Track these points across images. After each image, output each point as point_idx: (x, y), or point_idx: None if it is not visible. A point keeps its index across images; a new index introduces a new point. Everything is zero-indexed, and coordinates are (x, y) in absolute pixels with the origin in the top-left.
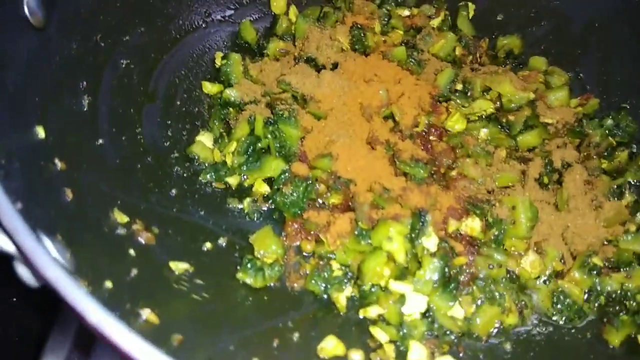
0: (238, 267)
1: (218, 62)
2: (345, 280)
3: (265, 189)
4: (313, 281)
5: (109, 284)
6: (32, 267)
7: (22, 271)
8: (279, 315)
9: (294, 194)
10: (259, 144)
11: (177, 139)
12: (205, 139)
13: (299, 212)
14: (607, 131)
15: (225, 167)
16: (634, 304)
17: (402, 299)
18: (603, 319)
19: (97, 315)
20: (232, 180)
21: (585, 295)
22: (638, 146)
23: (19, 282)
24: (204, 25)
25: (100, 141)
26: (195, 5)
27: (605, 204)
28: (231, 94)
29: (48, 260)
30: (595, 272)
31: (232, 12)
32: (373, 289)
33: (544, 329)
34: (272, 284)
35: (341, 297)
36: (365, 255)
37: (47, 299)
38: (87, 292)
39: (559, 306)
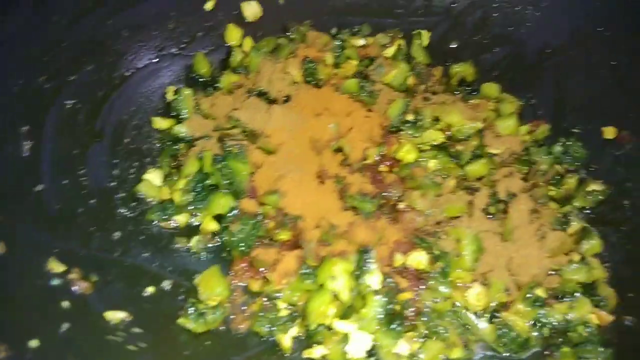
0: (180, 312)
1: (169, 96)
2: (291, 321)
3: (213, 226)
4: (258, 322)
5: (34, 343)
6: None
7: None
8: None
9: (242, 232)
10: (208, 181)
11: (123, 178)
12: (153, 176)
13: (247, 250)
14: (555, 158)
15: (173, 205)
16: (576, 335)
17: (346, 338)
18: (545, 351)
19: None
20: (181, 219)
21: (530, 327)
22: (587, 172)
23: None
24: (155, 60)
25: (40, 187)
26: (147, 40)
27: (550, 233)
28: (181, 129)
29: None
30: (539, 304)
31: (186, 45)
32: (319, 329)
33: None
34: (215, 328)
35: (286, 338)
36: (311, 295)
37: None
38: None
39: (504, 339)
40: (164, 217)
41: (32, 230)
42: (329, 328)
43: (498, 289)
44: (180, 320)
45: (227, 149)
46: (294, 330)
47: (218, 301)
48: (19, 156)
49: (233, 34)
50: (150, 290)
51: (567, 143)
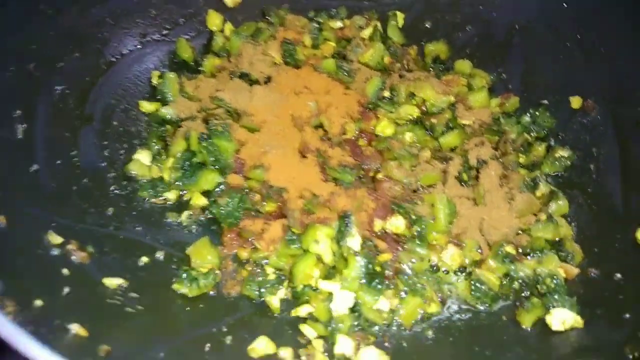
0: (174, 279)
1: (154, 80)
2: (278, 284)
3: (202, 201)
4: (248, 286)
5: (38, 302)
6: None
7: None
8: (213, 321)
9: (230, 205)
10: (195, 159)
11: (114, 159)
12: (142, 156)
13: (235, 221)
14: (523, 127)
15: (163, 183)
16: (544, 287)
17: (330, 296)
18: (516, 302)
19: (9, 334)
20: (171, 195)
21: (501, 281)
22: (555, 140)
23: None
24: (139, 46)
25: (35, 167)
26: (131, 27)
27: (518, 196)
28: (167, 111)
29: None
30: (509, 260)
31: (168, 31)
32: (305, 289)
33: (463, 316)
34: (209, 293)
35: (274, 300)
36: (296, 259)
37: None
38: (7, 312)
39: (477, 293)
40: (154, 194)
41: (30, 206)
42: (315, 289)
43: (471, 247)
44: (175, 285)
45: (212, 128)
46: (282, 292)
47: (209, 268)
48: (14, 139)
49: (214, 20)
50: (144, 260)
51: (536, 113)
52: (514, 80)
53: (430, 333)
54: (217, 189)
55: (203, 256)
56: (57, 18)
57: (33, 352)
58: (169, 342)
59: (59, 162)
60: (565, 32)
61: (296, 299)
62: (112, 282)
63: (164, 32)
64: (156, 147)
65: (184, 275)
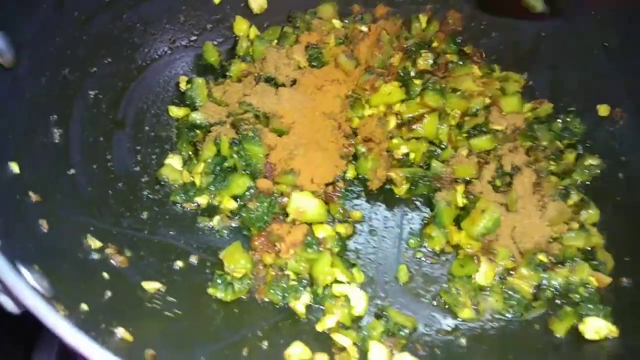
0: (209, 283)
1: (183, 86)
2: (301, 288)
3: (232, 205)
4: (272, 290)
5: (84, 307)
6: (14, 297)
7: (3, 299)
8: (248, 326)
9: (259, 209)
10: (226, 164)
11: (146, 163)
12: (174, 161)
13: (263, 225)
14: (555, 134)
15: (195, 188)
16: (577, 296)
17: (347, 299)
18: (549, 311)
19: (73, 337)
20: (202, 200)
21: (534, 290)
22: (584, 148)
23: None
24: (169, 52)
25: (72, 171)
26: (160, 33)
27: (550, 204)
28: (196, 117)
29: (27, 291)
30: (541, 268)
31: (196, 37)
32: (325, 294)
33: (496, 324)
34: (242, 297)
35: (299, 305)
36: (314, 261)
37: (27, 322)
38: (63, 316)
39: (509, 302)
40: (186, 199)
41: (68, 210)
42: (332, 296)
43: (504, 256)
44: (211, 290)
45: (243, 133)
46: (306, 298)
47: (243, 273)
48: (51, 143)
49: (241, 26)
50: (179, 264)
51: (567, 119)
52: (541, 87)
53: (463, 341)
54: (247, 193)
55: (236, 260)
56: (89, 24)
57: (94, 355)
58: (208, 346)
59: (94, 166)
60: (592, 39)
61: (318, 303)
62: (151, 285)
63: (192, 37)
64: (186, 152)
65: (219, 280)
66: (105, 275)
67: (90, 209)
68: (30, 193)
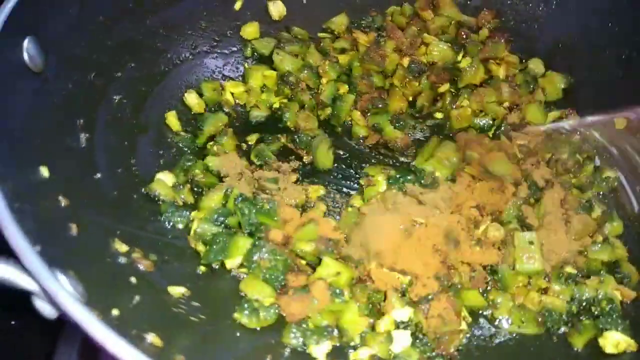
0: (236, 307)
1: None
2: (325, 334)
3: (236, 263)
4: (291, 334)
5: (115, 312)
6: (55, 303)
7: (40, 305)
8: (271, 333)
9: (273, 268)
10: (229, 219)
11: (170, 169)
12: (165, 177)
13: (279, 284)
14: (574, 146)
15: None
16: (598, 309)
17: (389, 336)
18: (568, 324)
19: (115, 344)
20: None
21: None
22: (600, 159)
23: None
24: (191, 57)
25: (98, 175)
26: (183, 39)
27: (575, 217)
28: (213, 164)
29: (69, 298)
30: (571, 281)
31: (217, 43)
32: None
33: (514, 336)
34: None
35: (318, 350)
36: (339, 313)
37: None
38: (101, 322)
39: (548, 323)
40: (180, 221)
41: (96, 214)
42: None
43: (538, 277)
44: (236, 315)
45: (260, 204)
46: (327, 346)
47: (271, 302)
48: (78, 147)
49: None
50: (202, 269)
51: (586, 133)
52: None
53: (479, 353)
54: (254, 251)
55: (258, 291)
56: (113, 29)
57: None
58: (233, 351)
59: (119, 170)
60: (608, 51)
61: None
62: (176, 290)
63: (213, 43)
64: (179, 179)
65: (246, 304)
66: (133, 279)
67: (116, 213)
68: (60, 197)
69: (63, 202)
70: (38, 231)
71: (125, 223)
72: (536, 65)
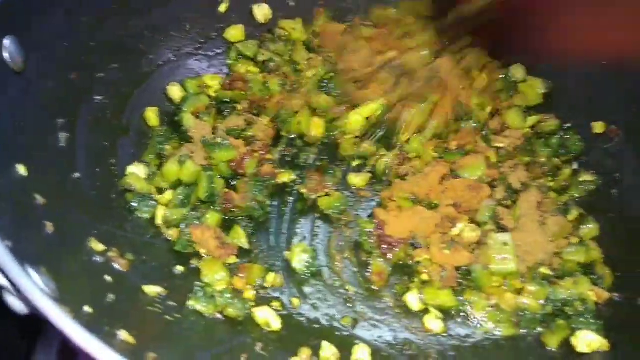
0: (189, 294)
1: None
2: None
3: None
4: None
5: (88, 309)
6: (25, 299)
7: (11, 300)
8: (246, 333)
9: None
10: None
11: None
12: (137, 170)
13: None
14: (553, 151)
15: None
16: (572, 309)
17: None
18: (542, 324)
19: (83, 338)
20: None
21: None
22: (579, 164)
23: None
24: (174, 59)
25: (77, 175)
26: (167, 41)
27: (551, 219)
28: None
29: (38, 293)
30: (546, 282)
31: (201, 45)
32: None
33: (490, 335)
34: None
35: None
36: None
37: (29, 322)
38: (72, 318)
39: (523, 324)
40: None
41: (73, 213)
42: None
43: (514, 277)
44: (191, 302)
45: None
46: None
47: (223, 287)
48: (58, 146)
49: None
50: (180, 269)
51: (565, 137)
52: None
53: (453, 352)
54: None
55: (214, 272)
56: (97, 30)
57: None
58: (209, 350)
59: (98, 170)
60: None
61: None
62: (152, 289)
63: (197, 45)
64: (153, 165)
65: (200, 292)
66: (108, 278)
67: (93, 212)
68: (37, 195)
69: (40, 200)
70: (11, 227)
71: (103, 222)
72: (517, 71)
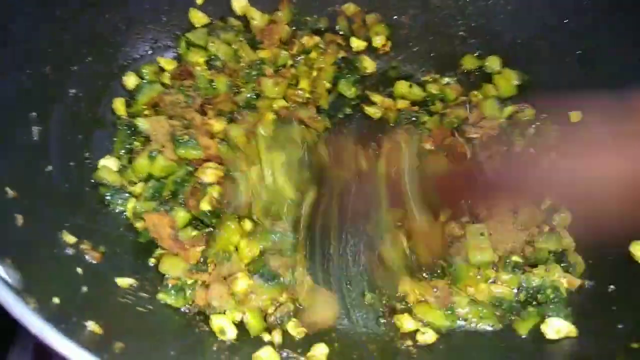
0: (159, 288)
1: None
2: None
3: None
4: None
5: (56, 300)
6: None
7: None
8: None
9: None
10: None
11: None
12: (109, 162)
13: None
14: (528, 140)
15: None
16: (544, 297)
17: None
18: (514, 312)
19: (39, 328)
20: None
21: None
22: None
23: None
24: (150, 52)
25: (50, 168)
26: (143, 33)
27: (522, 209)
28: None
29: None
30: (518, 270)
31: (178, 37)
32: None
33: (464, 323)
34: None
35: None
36: None
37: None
38: (33, 308)
39: (497, 312)
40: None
41: (45, 206)
42: None
43: (487, 267)
44: (161, 295)
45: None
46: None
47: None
48: (30, 140)
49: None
50: (152, 261)
51: (541, 126)
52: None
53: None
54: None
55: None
56: (72, 23)
57: (60, 345)
58: (178, 340)
59: (71, 163)
60: (566, 47)
61: None
62: (124, 281)
63: (174, 37)
64: (123, 159)
65: (169, 285)
66: (79, 270)
67: (66, 205)
68: (7, 189)
69: (11, 193)
70: None
71: (76, 215)
72: (493, 62)
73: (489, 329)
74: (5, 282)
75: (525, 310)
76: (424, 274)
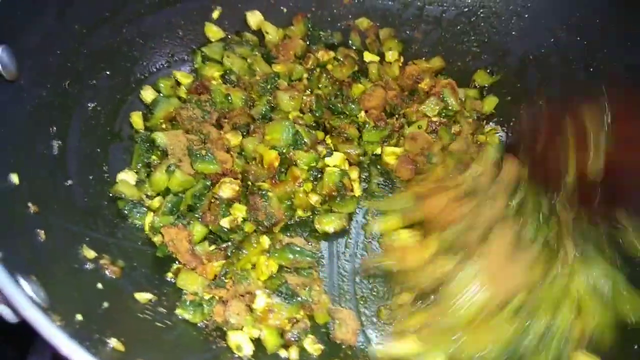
0: (177, 303)
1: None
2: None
3: None
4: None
5: (79, 317)
6: (12, 307)
7: (2, 309)
8: None
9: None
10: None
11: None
12: (127, 176)
13: None
14: None
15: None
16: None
17: None
18: None
19: (68, 348)
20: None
21: None
22: None
23: None
24: (167, 65)
25: (69, 182)
26: (160, 47)
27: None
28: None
29: (25, 301)
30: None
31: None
32: None
33: None
34: None
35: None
36: None
37: (22, 330)
38: (59, 327)
39: None
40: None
41: (65, 220)
42: None
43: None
44: (178, 311)
45: (195, 154)
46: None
47: (193, 298)
48: (50, 154)
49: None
50: (170, 276)
51: None
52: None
53: None
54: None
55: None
56: (90, 37)
57: None
58: (196, 356)
59: (90, 177)
60: (577, 63)
61: None
62: (143, 296)
63: (190, 51)
64: (141, 174)
65: (188, 300)
66: (100, 285)
67: (85, 220)
68: (29, 204)
69: (32, 208)
70: (3, 237)
71: (95, 229)
72: (481, 77)
73: None
74: (33, 300)
75: None
76: None
